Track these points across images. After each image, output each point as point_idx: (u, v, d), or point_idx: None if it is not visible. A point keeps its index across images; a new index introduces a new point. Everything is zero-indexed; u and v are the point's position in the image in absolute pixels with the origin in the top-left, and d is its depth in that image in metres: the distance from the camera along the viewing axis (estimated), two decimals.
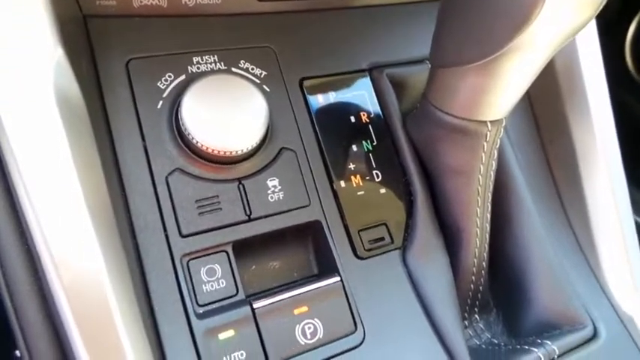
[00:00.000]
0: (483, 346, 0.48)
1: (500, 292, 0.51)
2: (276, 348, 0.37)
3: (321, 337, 0.39)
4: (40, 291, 0.37)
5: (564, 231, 0.51)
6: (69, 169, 0.33)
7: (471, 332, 0.50)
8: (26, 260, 0.37)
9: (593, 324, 0.46)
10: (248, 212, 0.41)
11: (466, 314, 0.50)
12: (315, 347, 0.38)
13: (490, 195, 0.45)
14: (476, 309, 0.50)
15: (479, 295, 0.49)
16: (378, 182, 0.47)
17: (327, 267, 0.42)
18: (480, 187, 0.44)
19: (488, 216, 0.45)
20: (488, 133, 0.41)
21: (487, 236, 0.46)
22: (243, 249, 0.41)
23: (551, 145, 0.53)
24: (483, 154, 0.42)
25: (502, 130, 0.42)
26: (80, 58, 0.39)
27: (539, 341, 0.44)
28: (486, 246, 0.47)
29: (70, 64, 0.35)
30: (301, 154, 0.44)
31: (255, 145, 0.40)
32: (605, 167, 0.52)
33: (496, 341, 0.49)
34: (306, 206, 0.43)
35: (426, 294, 0.43)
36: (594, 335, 0.45)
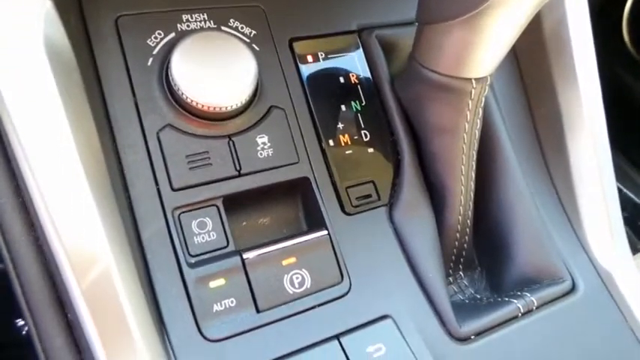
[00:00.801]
0: (466, 301, 0.50)
1: (484, 250, 0.52)
2: (265, 296, 0.39)
3: (308, 286, 0.40)
4: (36, 242, 0.38)
5: (547, 191, 0.52)
6: (61, 121, 0.34)
7: (455, 288, 0.52)
8: (22, 213, 0.38)
9: (572, 278, 0.47)
10: (238, 168, 0.42)
11: (451, 271, 0.52)
12: (302, 296, 0.40)
13: (475, 154, 0.46)
14: (460, 266, 0.52)
15: (463, 253, 0.51)
16: (366, 142, 0.48)
17: (315, 222, 0.44)
18: (465, 146, 0.45)
19: (473, 174, 0.47)
20: (473, 90, 0.42)
21: (472, 195, 0.48)
22: (234, 204, 0.42)
23: (537, 108, 0.54)
24: (468, 112, 0.43)
25: (487, 88, 0.43)
26: (69, 13, 0.39)
27: (519, 294, 0.45)
28: (471, 204, 0.48)
29: (59, 17, 0.35)
30: (290, 112, 0.45)
31: (244, 101, 0.41)
32: (590, 130, 0.53)
33: (479, 296, 0.50)
34: (295, 163, 0.44)
35: (411, 249, 0.45)
36: (572, 289, 0.47)
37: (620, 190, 1.95)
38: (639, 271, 0.48)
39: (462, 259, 0.51)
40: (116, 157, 0.40)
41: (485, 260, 0.52)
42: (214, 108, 0.40)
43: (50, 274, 0.37)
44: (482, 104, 0.43)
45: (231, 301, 0.38)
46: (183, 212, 0.40)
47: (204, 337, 0.36)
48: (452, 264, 0.51)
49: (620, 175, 1.93)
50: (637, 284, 0.48)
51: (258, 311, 0.38)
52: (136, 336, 0.34)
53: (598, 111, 0.54)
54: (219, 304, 0.38)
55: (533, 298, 0.44)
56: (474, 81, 0.41)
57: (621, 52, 1.46)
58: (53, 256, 0.34)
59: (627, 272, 0.48)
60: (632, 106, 1.59)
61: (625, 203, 1.80)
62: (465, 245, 0.50)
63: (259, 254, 0.40)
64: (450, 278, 0.52)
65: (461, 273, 0.52)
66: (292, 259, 0.41)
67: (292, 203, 0.46)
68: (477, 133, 0.45)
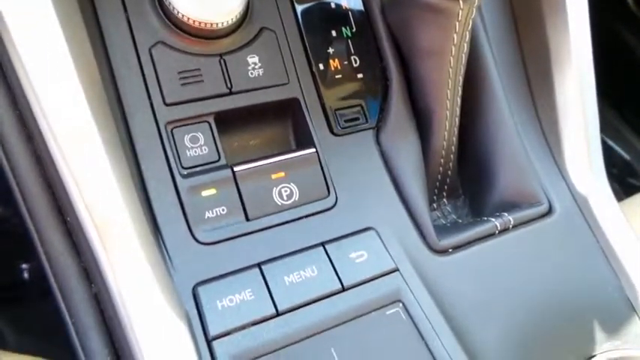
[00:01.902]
0: (448, 225, 0.52)
1: (468, 177, 0.54)
2: (255, 206, 0.41)
3: (296, 199, 0.42)
4: (34, 153, 0.40)
5: (531, 120, 0.53)
6: (56, 33, 0.34)
7: (438, 214, 0.54)
8: (20, 124, 0.39)
9: (549, 202, 0.50)
10: (229, 86, 0.43)
11: (435, 197, 0.54)
12: (290, 208, 0.42)
13: (461, 79, 0.47)
14: (444, 193, 0.54)
15: (447, 180, 0.53)
16: (356, 67, 0.49)
17: (304, 142, 0.45)
18: (451, 70, 0.46)
19: (459, 100, 0.48)
20: (460, 12, 0.42)
21: (457, 120, 0.49)
22: (225, 123, 0.44)
23: (526, 40, 0.55)
24: (455, 35, 0.44)
25: (475, 10, 0.43)
26: None
27: (498, 214, 0.48)
28: (455, 130, 0.49)
29: None
30: (281, 35, 0.46)
31: (235, 19, 0.42)
32: (577, 66, 0.53)
33: (460, 221, 0.53)
34: (285, 84, 0.45)
35: (395, 169, 0.47)
36: (549, 211, 0.49)
37: (610, 148, 1.96)
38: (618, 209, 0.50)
39: (445, 186, 0.53)
40: (110, 71, 0.41)
41: (468, 188, 0.55)
42: (205, 24, 0.41)
43: (50, 185, 0.39)
44: (470, 27, 0.44)
45: (222, 209, 0.40)
46: (176, 127, 0.41)
47: (197, 241, 0.39)
48: (436, 190, 0.53)
49: (612, 132, 1.94)
50: (610, 209, 0.50)
51: (247, 219, 0.40)
52: (133, 238, 0.36)
53: (585, 47, 0.54)
54: (210, 211, 0.40)
55: (510, 218, 0.47)
56: (461, 2, 0.42)
57: (621, 6, 1.44)
58: (54, 166, 0.36)
59: (602, 198, 0.50)
60: (629, 64, 1.59)
61: (615, 160, 1.83)
62: (449, 172, 0.52)
63: (249, 167, 0.42)
64: (434, 204, 0.54)
65: (445, 200, 0.55)
66: (281, 174, 0.43)
67: (282, 125, 0.47)
68: (464, 58, 0.46)
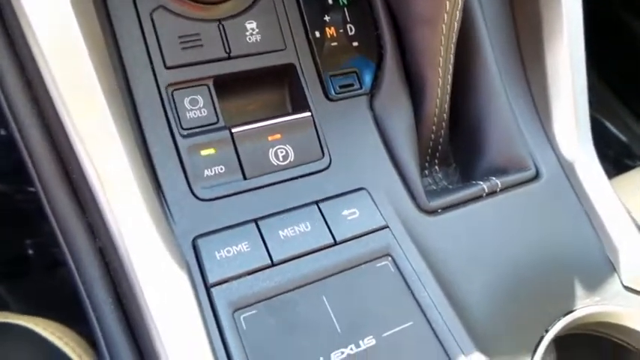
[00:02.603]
0: (439, 190, 0.54)
1: (459, 146, 0.56)
2: (252, 166, 0.43)
3: (292, 160, 0.44)
4: (40, 115, 0.41)
5: (522, 89, 0.55)
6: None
7: (430, 180, 0.56)
8: (26, 89, 0.41)
9: (537, 168, 0.51)
10: (227, 50, 0.44)
11: (427, 164, 0.56)
12: (286, 168, 0.44)
13: (453, 47, 0.48)
14: (436, 160, 0.56)
15: (439, 147, 0.54)
16: (351, 35, 0.50)
17: (300, 106, 0.47)
18: (443, 37, 0.47)
19: (451, 67, 0.49)
20: None
21: (448, 87, 0.50)
22: (224, 87, 0.45)
23: (519, 11, 0.56)
24: (448, 2, 0.45)
25: None
26: None
27: (486, 178, 0.49)
28: (447, 97, 0.51)
29: None
30: (279, 2, 0.47)
31: None
32: (567, 38, 0.54)
33: (451, 187, 0.55)
34: (282, 50, 0.46)
35: (388, 134, 0.48)
36: (536, 176, 0.51)
37: (607, 129, 1.97)
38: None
39: (437, 153, 0.55)
40: (112, 35, 0.42)
41: (459, 156, 0.56)
42: None
43: (56, 144, 0.40)
44: None
45: (221, 168, 0.42)
46: (176, 89, 0.43)
47: (196, 197, 0.41)
48: (428, 157, 0.55)
49: (610, 114, 1.95)
50: (595, 175, 0.52)
51: (245, 178, 0.42)
52: (136, 194, 0.38)
53: (577, 19, 0.55)
54: (209, 169, 0.42)
55: (497, 181, 0.48)
56: None
57: None
58: (59, 120, 0.38)
59: (587, 164, 0.52)
60: (628, 46, 1.59)
61: (611, 141, 1.84)
62: (441, 139, 0.54)
63: (247, 129, 0.43)
64: (426, 171, 0.56)
65: (437, 167, 0.56)
66: (277, 136, 0.44)
67: (279, 90, 0.49)
68: (456, 26, 0.47)
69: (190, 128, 0.43)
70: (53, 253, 1.19)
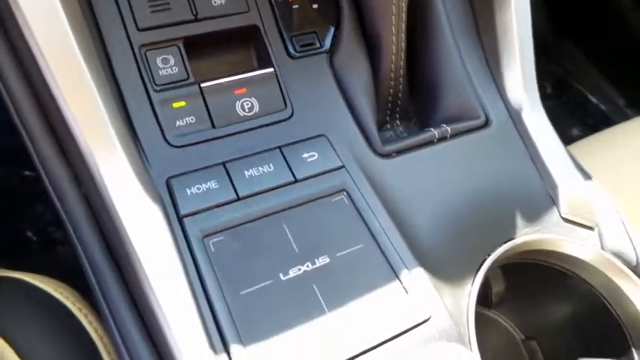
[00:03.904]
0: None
1: (417, 101, 0.60)
2: (220, 116, 0.47)
3: (256, 111, 0.49)
4: (25, 74, 0.46)
5: (474, 44, 0.59)
6: None
7: (391, 133, 0.60)
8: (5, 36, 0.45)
9: (487, 116, 0.56)
10: (194, 13, 0.49)
11: (388, 118, 0.60)
12: (251, 118, 0.48)
13: (405, 5, 0.52)
14: (397, 115, 0.60)
15: (398, 102, 0.59)
16: None
17: (264, 63, 0.51)
18: None
19: (403, 26, 0.53)
20: None
21: (403, 45, 0.55)
22: (194, 48, 0.49)
23: None
24: None
25: None
26: None
27: (439, 126, 0.54)
28: (402, 54, 0.55)
29: None
30: None
31: None
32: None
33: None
34: (246, 12, 0.51)
35: (347, 88, 0.53)
36: (486, 124, 0.55)
37: (590, 101, 2.01)
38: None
39: (397, 108, 0.60)
40: (88, 3, 0.46)
41: (418, 110, 0.61)
42: None
43: (39, 98, 0.45)
44: None
45: (191, 119, 0.47)
46: (149, 50, 0.47)
47: (170, 144, 0.45)
48: (389, 111, 0.60)
49: (594, 88, 1.99)
50: (540, 122, 0.56)
51: (213, 127, 0.47)
52: (115, 142, 0.43)
53: None
54: (181, 120, 0.46)
55: (448, 128, 0.53)
56: None
57: None
58: (42, 76, 0.42)
59: (533, 112, 0.56)
60: (610, 20, 1.63)
61: (592, 111, 1.89)
62: (400, 94, 0.58)
63: (214, 83, 0.48)
64: (388, 125, 0.61)
65: (397, 121, 0.61)
66: (243, 89, 0.49)
67: (246, 50, 0.53)
68: None
69: (163, 84, 0.47)
70: (50, 233, 1.24)
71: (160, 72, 0.47)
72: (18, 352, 0.55)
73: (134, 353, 0.41)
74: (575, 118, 1.82)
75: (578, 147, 0.99)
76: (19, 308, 0.61)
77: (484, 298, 0.60)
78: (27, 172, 1.19)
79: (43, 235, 1.20)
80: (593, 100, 1.78)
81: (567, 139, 0.96)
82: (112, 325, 0.43)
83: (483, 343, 0.65)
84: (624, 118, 1.58)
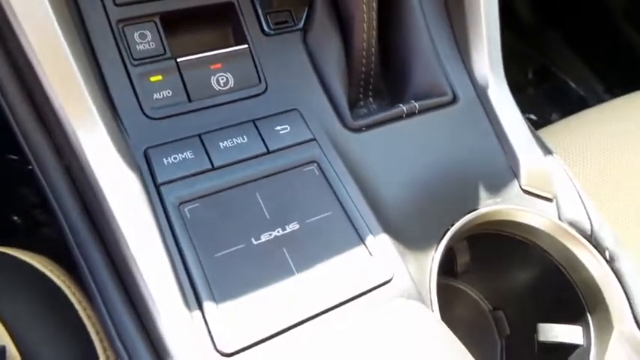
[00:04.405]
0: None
1: (390, 79, 0.63)
2: (196, 90, 0.49)
3: (231, 86, 0.51)
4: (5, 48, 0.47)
5: (443, 24, 0.61)
6: None
7: (365, 110, 0.63)
8: None
9: (454, 93, 0.58)
10: None
11: (361, 96, 0.62)
12: (226, 92, 0.50)
13: None
14: (370, 92, 0.62)
15: (371, 80, 0.61)
16: None
17: (239, 40, 0.53)
18: None
19: (375, 5, 0.55)
20: None
21: (374, 24, 0.57)
22: (170, 23, 0.51)
23: None
24: None
25: None
26: None
27: (408, 103, 0.56)
28: (374, 33, 0.57)
29: None
30: None
31: None
32: None
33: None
34: None
35: (319, 64, 0.55)
36: (453, 100, 0.58)
37: (571, 87, 2.06)
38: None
39: (370, 86, 0.62)
40: None
41: (390, 88, 0.63)
42: None
43: (20, 73, 0.46)
44: None
45: (168, 92, 0.48)
46: (126, 25, 0.49)
47: (147, 116, 0.47)
48: (362, 89, 0.62)
49: (575, 75, 2.04)
50: (504, 98, 0.59)
51: (190, 100, 0.49)
52: (94, 114, 0.44)
53: None
54: (158, 93, 0.48)
55: (416, 104, 0.55)
56: None
57: None
58: (22, 50, 0.43)
59: (498, 89, 0.59)
60: (593, 7, 1.67)
61: (571, 96, 1.93)
62: (372, 72, 0.60)
63: (190, 58, 0.50)
64: (361, 102, 0.63)
65: (370, 99, 0.63)
66: (218, 65, 0.51)
67: (223, 27, 0.55)
68: None
69: (140, 59, 0.49)
70: (35, 215, 1.25)
71: (138, 47, 0.49)
72: (4, 323, 0.57)
73: (117, 320, 0.43)
74: (556, 104, 1.86)
75: (551, 130, 1.03)
76: (6, 281, 0.62)
77: (452, 270, 0.63)
78: (10, 156, 1.20)
79: (28, 217, 1.21)
80: (573, 86, 1.82)
81: (547, 125, 1.00)
82: (94, 287, 0.45)
83: (454, 313, 0.69)
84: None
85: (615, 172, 0.80)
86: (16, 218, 1.23)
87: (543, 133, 1.03)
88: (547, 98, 1.81)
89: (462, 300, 0.69)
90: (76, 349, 0.54)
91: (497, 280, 0.63)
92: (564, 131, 0.97)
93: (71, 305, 0.61)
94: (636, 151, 0.85)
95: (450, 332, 0.40)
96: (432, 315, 0.39)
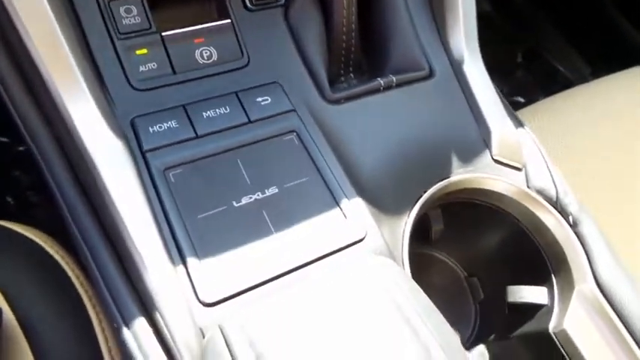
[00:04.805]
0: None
1: (369, 55, 0.65)
2: (180, 63, 0.52)
3: (215, 59, 0.53)
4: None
5: (423, 4, 0.64)
6: None
7: (346, 85, 0.65)
8: None
9: (431, 68, 0.61)
10: None
11: (342, 71, 0.65)
12: (210, 65, 0.53)
13: None
14: (350, 68, 0.65)
15: (351, 56, 0.63)
16: None
17: (222, 15, 0.55)
18: None
19: None
20: None
21: (354, 0, 0.59)
22: (155, 2, 0.53)
23: None
24: None
25: None
26: None
27: (386, 76, 0.59)
28: (354, 9, 0.59)
29: None
30: None
31: None
32: None
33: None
34: None
35: (300, 39, 0.57)
36: (429, 75, 0.60)
37: (557, 70, 2.09)
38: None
39: (351, 62, 0.64)
40: None
41: (370, 64, 0.66)
42: None
43: (10, 46, 0.48)
44: None
45: (153, 65, 0.51)
46: (113, 0, 0.51)
47: (133, 88, 0.49)
48: (342, 64, 0.64)
49: (564, 58, 2.06)
50: (479, 72, 0.62)
51: (174, 73, 0.51)
52: (82, 85, 0.46)
53: None
54: (144, 66, 0.50)
55: (393, 78, 0.58)
56: None
57: None
58: (13, 26, 0.45)
59: (473, 64, 0.61)
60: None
61: (559, 79, 1.96)
62: (352, 48, 0.63)
63: (175, 32, 0.52)
64: (342, 78, 0.65)
65: (351, 74, 0.66)
66: (202, 39, 0.53)
67: (206, 4, 0.57)
68: None
69: (126, 33, 0.51)
70: (28, 197, 1.28)
71: (124, 21, 0.51)
72: (4, 293, 0.60)
73: (110, 285, 0.46)
74: (543, 87, 1.89)
75: (532, 109, 1.06)
76: (2, 251, 0.65)
77: (428, 238, 0.67)
78: (2, 139, 1.22)
79: (22, 199, 1.24)
80: (561, 68, 1.85)
81: None
82: (87, 253, 0.47)
83: (431, 280, 0.73)
84: None
85: (583, 148, 0.84)
86: (9, 200, 1.25)
87: (525, 112, 1.07)
88: (535, 81, 1.83)
89: (439, 267, 0.73)
90: (71, 316, 0.57)
91: (471, 247, 0.67)
92: (544, 110, 1.01)
93: (64, 272, 0.64)
94: (613, 130, 0.89)
95: (416, 285, 0.43)
96: (399, 268, 0.42)
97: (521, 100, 1.75)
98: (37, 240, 0.66)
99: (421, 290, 0.42)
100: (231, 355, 0.34)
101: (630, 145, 0.87)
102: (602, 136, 0.87)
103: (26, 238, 0.66)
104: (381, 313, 0.37)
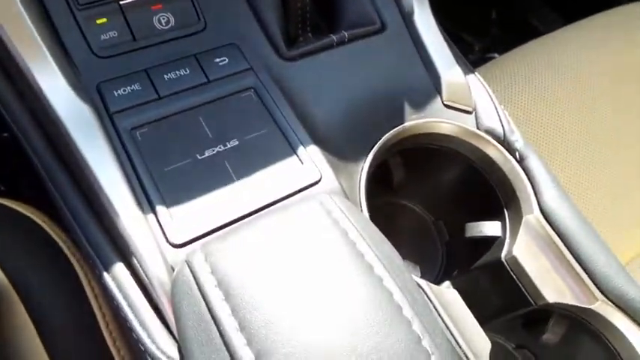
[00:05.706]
0: None
1: (325, 14, 0.68)
2: (140, 30, 0.54)
3: (173, 25, 0.56)
4: None
5: None
6: None
7: (304, 44, 0.68)
8: None
9: (383, 23, 0.64)
10: None
11: (300, 32, 0.67)
12: (168, 31, 0.55)
13: None
14: (308, 28, 0.67)
15: (307, 15, 0.66)
16: None
17: None
18: None
19: None
20: None
21: None
22: None
23: None
24: None
25: None
26: None
27: (339, 33, 0.62)
28: None
29: None
30: None
31: None
32: None
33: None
34: None
35: (255, 2, 0.60)
36: (381, 29, 0.63)
37: (530, 24, 2.13)
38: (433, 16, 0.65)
39: (307, 22, 0.67)
40: None
41: (327, 22, 0.68)
42: None
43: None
44: None
45: (114, 33, 0.53)
46: None
47: (96, 55, 0.52)
48: (300, 25, 0.67)
49: (533, 10, 2.09)
50: (428, 23, 0.65)
51: (134, 39, 0.54)
52: (48, 56, 0.49)
53: None
54: (105, 34, 0.53)
55: (345, 33, 0.61)
56: None
57: None
58: None
59: (423, 15, 0.65)
60: None
61: (532, 34, 1.99)
62: (308, 8, 0.65)
63: (133, 1, 0.55)
64: (301, 38, 0.68)
65: (309, 34, 0.68)
66: (159, 6, 0.56)
67: None
68: None
69: (86, 3, 0.53)
70: (18, 184, 1.31)
71: None
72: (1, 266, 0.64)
73: (86, 230, 0.50)
74: (515, 41, 1.91)
75: (497, 61, 1.09)
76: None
77: (392, 187, 0.71)
78: None
79: (12, 186, 1.27)
80: (534, 22, 1.87)
81: None
82: (65, 209, 0.51)
83: (401, 228, 0.77)
84: None
85: (540, 100, 0.88)
86: (2, 188, 1.29)
87: (491, 64, 1.10)
88: (508, 36, 1.86)
89: (409, 215, 0.77)
90: (56, 269, 0.62)
91: (433, 192, 0.71)
92: (508, 62, 1.04)
93: (53, 240, 0.68)
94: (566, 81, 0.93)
95: (368, 219, 0.47)
96: (350, 203, 0.47)
97: (497, 55, 1.78)
98: (19, 208, 0.70)
99: (371, 222, 0.47)
100: (196, 282, 0.38)
101: (590, 93, 0.92)
102: (550, 87, 0.92)
103: (9, 207, 0.70)
104: (329, 239, 0.41)
